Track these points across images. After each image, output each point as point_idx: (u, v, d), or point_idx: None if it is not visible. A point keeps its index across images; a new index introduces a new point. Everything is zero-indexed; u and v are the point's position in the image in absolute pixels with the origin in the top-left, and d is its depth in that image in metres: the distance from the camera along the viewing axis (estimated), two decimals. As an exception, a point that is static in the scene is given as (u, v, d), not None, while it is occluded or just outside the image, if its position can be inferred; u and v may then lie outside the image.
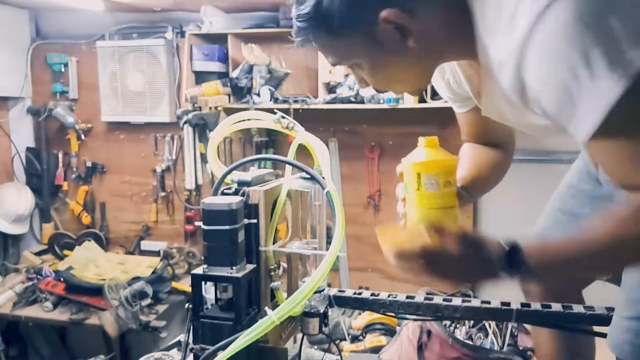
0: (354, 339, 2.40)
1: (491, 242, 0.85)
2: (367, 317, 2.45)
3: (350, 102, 2.87)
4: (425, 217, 1.01)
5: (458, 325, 2.15)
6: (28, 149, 3.67)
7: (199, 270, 1.09)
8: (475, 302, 1.28)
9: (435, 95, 2.77)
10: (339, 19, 0.89)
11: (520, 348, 2.06)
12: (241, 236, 1.09)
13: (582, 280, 1.37)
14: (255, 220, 1.13)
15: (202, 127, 3.13)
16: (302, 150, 1.25)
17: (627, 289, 1.06)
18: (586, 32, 0.72)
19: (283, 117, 1.27)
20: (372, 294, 1.33)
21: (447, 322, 2.09)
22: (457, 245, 0.85)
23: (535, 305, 1.25)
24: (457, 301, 1.28)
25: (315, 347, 2.23)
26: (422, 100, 2.79)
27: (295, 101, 2.95)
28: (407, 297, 1.31)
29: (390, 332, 2.36)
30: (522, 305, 1.26)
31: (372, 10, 0.86)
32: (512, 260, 0.83)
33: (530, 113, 0.88)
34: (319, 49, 0.99)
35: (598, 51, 0.72)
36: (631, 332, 1.03)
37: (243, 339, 0.99)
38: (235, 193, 1.13)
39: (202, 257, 1.10)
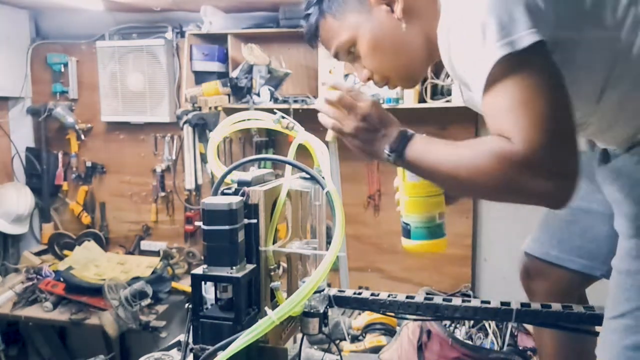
0: (354, 339, 2.40)
1: (394, 121, 1.01)
2: (367, 317, 2.45)
3: (350, 102, 2.87)
4: (410, 205, 1.14)
5: (458, 325, 2.15)
6: (28, 149, 3.67)
7: (198, 270, 1.09)
8: (475, 302, 1.28)
9: (435, 95, 2.77)
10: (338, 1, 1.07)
11: (520, 348, 2.06)
12: (241, 236, 1.09)
13: (583, 279, 1.38)
14: (255, 220, 1.13)
15: (202, 127, 3.13)
16: (302, 150, 1.25)
17: (611, 291, 1.07)
18: (490, 11, 0.85)
19: (283, 117, 1.27)
20: (372, 294, 1.33)
21: (447, 322, 2.09)
22: (367, 107, 1.00)
23: (535, 305, 1.25)
24: (457, 301, 1.28)
25: (315, 347, 2.23)
26: (422, 100, 2.79)
27: (295, 101, 2.95)
28: (407, 297, 1.31)
29: (390, 332, 2.36)
30: (522, 305, 1.26)
31: None
32: (400, 140, 0.97)
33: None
34: (323, 41, 1.13)
35: (493, 25, 0.84)
36: (615, 333, 1.03)
37: (243, 339, 0.99)
38: (235, 193, 1.13)
39: (202, 257, 1.10)
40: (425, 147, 0.96)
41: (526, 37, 0.83)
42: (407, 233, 1.16)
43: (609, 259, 1.08)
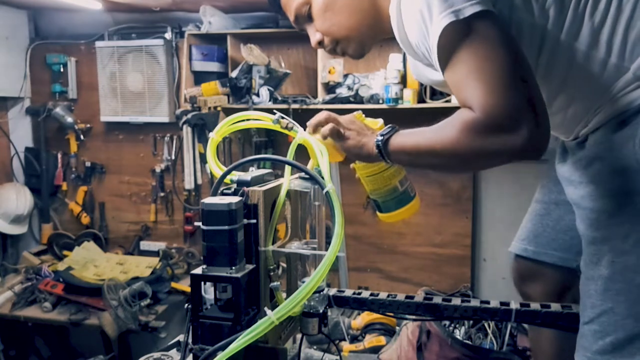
0: (354, 339, 2.40)
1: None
2: (366, 317, 2.45)
3: (350, 102, 2.87)
4: (368, 183, 1.21)
5: (457, 325, 2.16)
6: (27, 149, 3.67)
7: (198, 271, 1.09)
8: (474, 302, 1.28)
9: (434, 95, 2.77)
10: None
11: (520, 348, 2.06)
12: (240, 236, 1.08)
13: (565, 275, 1.38)
14: (254, 221, 1.12)
15: (201, 127, 3.13)
16: (302, 151, 1.25)
17: (581, 296, 1.09)
18: None
19: (282, 117, 1.27)
20: (372, 294, 1.33)
21: (447, 322, 2.09)
22: (351, 116, 1.16)
23: (535, 305, 1.25)
24: (456, 301, 1.28)
25: (315, 347, 2.23)
26: (421, 100, 2.79)
27: (295, 101, 2.95)
28: (407, 297, 1.31)
29: (389, 332, 2.36)
30: (522, 305, 1.26)
31: None
32: (390, 130, 1.07)
33: (426, 68, 1.05)
34: (283, 5, 1.19)
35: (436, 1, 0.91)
36: (586, 338, 1.05)
37: (242, 340, 0.99)
38: (235, 193, 1.13)
39: (202, 257, 1.09)
40: (406, 134, 1.05)
41: (469, 7, 0.89)
42: (378, 208, 1.24)
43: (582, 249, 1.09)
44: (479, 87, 0.89)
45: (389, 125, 1.09)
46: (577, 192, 1.07)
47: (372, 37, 1.19)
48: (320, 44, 1.20)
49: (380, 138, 1.06)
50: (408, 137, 1.04)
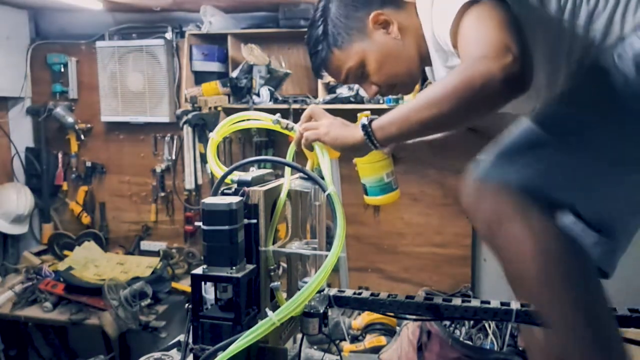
0: (354, 339, 2.40)
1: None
2: (366, 317, 2.45)
3: (350, 102, 2.87)
4: (361, 170, 1.35)
5: (458, 326, 2.16)
6: (27, 149, 3.67)
7: (198, 271, 1.09)
8: (475, 302, 1.28)
9: (435, 95, 2.78)
10: (342, 33, 1.22)
11: (520, 348, 2.06)
12: (241, 236, 1.09)
13: None
14: (255, 221, 1.13)
15: (201, 127, 3.13)
16: (302, 150, 1.25)
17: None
18: None
19: (282, 118, 1.27)
20: (372, 294, 1.33)
21: (447, 323, 2.09)
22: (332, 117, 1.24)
23: (535, 306, 1.25)
24: (457, 301, 1.28)
25: (315, 347, 2.23)
26: (421, 100, 2.79)
27: (295, 101, 2.95)
28: (407, 297, 1.31)
29: (390, 332, 2.36)
30: (522, 305, 1.26)
31: (363, 19, 1.21)
32: (369, 118, 1.12)
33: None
34: (331, 71, 1.28)
35: None
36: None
37: (243, 340, 0.99)
38: (235, 193, 1.13)
39: (202, 257, 1.10)
40: (387, 115, 1.10)
41: None
42: (365, 191, 1.37)
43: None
44: (479, 41, 0.97)
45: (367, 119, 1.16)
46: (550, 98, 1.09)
47: (420, 72, 1.28)
48: (377, 92, 1.29)
49: (365, 120, 1.12)
50: (392, 111, 1.10)
